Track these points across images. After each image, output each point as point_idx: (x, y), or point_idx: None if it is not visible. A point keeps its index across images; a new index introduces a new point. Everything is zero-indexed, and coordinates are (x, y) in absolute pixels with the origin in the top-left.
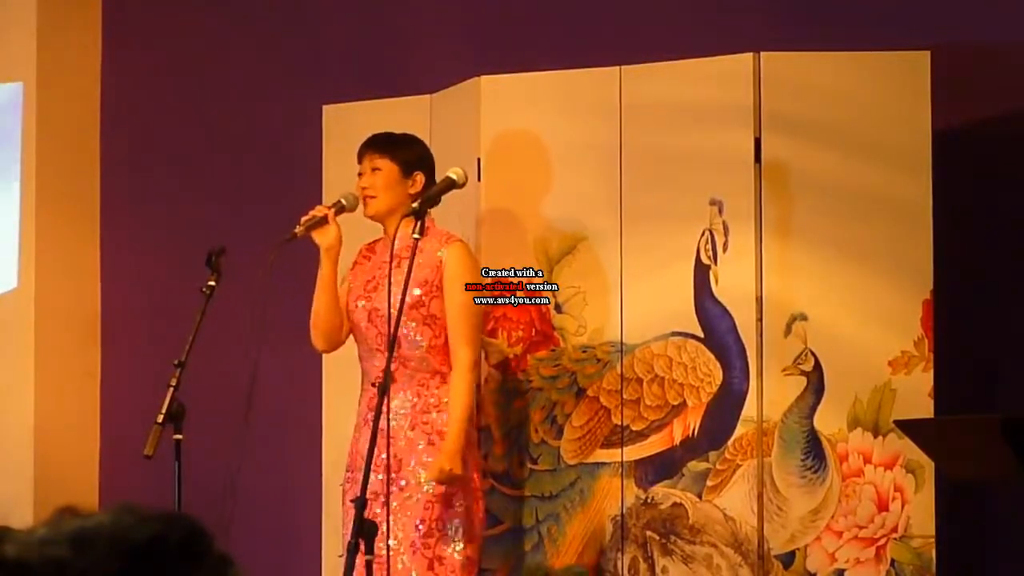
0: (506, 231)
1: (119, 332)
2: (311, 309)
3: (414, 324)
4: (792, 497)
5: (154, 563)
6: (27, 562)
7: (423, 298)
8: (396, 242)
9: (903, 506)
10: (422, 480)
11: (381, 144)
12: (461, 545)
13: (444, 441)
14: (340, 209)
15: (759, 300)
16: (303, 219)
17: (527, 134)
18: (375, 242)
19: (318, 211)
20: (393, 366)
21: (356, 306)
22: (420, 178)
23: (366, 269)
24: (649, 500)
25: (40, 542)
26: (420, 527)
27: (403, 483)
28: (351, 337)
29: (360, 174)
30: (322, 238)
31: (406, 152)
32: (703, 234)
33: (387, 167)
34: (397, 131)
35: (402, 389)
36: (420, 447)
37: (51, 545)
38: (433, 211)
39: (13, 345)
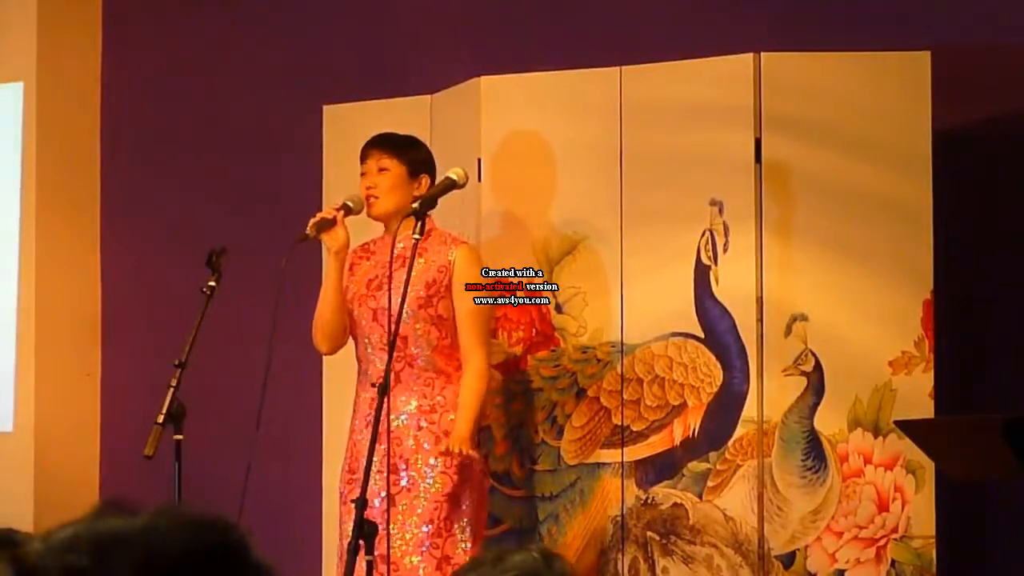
0: (506, 231)
1: (119, 332)
2: (315, 311)
3: (422, 324)
4: (792, 497)
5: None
6: (44, 565)
7: (432, 299)
8: (399, 243)
9: (903, 506)
10: (429, 481)
11: (389, 144)
12: (468, 544)
13: (455, 425)
14: (347, 211)
15: (759, 300)
16: (312, 221)
17: (527, 134)
18: (368, 243)
19: (327, 213)
20: (399, 366)
21: (360, 306)
22: (426, 180)
23: (366, 269)
24: (649, 500)
25: (64, 546)
26: (429, 527)
27: (410, 483)
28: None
29: (364, 174)
30: (331, 240)
31: (413, 153)
32: (703, 234)
33: (395, 168)
34: (397, 131)
35: (408, 389)
36: (427, 447)
37: (73, 550)
38: (434, 212)
39: (13, 345)
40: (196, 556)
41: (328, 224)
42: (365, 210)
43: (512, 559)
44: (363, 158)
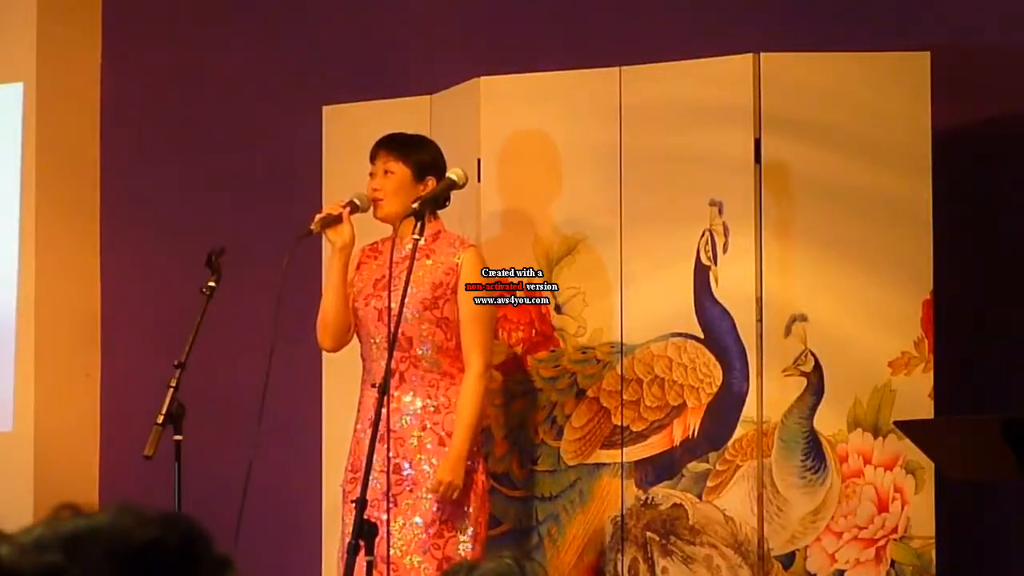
0: (506, 232)
1: (119, 332)
2: (319, 308)
3: (427, 325)
4: (792, 498)
5: (151, 567)
6: (19, 567)
7: (438, 300)
8: (404, 244)
9: (903, 507)
10: (431, 481)
11: (395, 146)
12: (470, 546)
13: (448, 449)
14: (354, 209)
15: (759, 301)
16: (318, 216)
17: (527, 135)
18: (377, 242)
19: (333, 209)
20: (404, 366)
21: (366, 305)
22: (432, 182)
23: (373, 269)
24: (649, 501)
25: (34, 546)
26: (431, 528)
27: (413, 484)
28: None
29: (372, 174)
30: (336, 237)
31: (420, 155)
32: (703, 235)
33: (400, 171)
34: (397, 132)
35: (412, 390)
36: (430, 447)
37: (45, 550)
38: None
39: (13, 345)
40: (161, 547)
41: (334, 220)
42: (372, 211)
43: (486, 565)
44: (372, 158)
